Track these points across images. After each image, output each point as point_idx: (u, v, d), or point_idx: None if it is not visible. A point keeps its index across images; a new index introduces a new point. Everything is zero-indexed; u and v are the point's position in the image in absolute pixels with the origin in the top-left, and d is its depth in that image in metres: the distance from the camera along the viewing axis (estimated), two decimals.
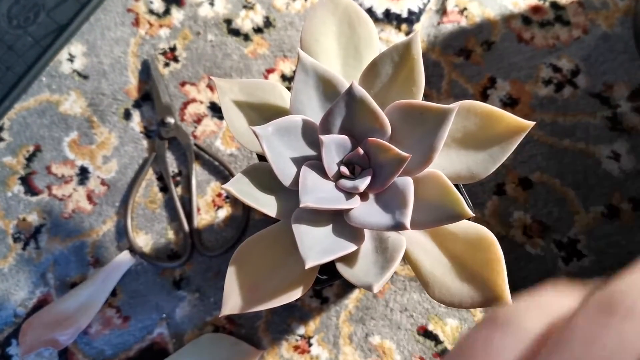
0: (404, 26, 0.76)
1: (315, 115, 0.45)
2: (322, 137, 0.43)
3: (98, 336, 0.72)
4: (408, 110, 0.43)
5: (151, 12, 0.80)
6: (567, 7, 0.74)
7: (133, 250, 0.73)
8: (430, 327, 0.69)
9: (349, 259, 0.44)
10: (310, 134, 0.45)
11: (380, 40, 0.76)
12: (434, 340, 0.68)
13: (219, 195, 0.74)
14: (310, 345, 0.69)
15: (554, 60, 0.73)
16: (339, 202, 0.43)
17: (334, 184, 0.45)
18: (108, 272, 0.72)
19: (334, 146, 0.44)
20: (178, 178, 0.75)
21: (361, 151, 0.44)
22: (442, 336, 0.68)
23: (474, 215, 0.40)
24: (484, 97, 0.73)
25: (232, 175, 0.73)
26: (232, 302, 0.45)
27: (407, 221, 0.40)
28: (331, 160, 0.44)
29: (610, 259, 0.68)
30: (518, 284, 0.68)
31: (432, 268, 0.45)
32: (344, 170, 0.45)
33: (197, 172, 0.74)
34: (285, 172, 0.44)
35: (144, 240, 0.73)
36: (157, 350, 0.71)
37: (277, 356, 0.70)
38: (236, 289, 0.45)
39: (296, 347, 0.70)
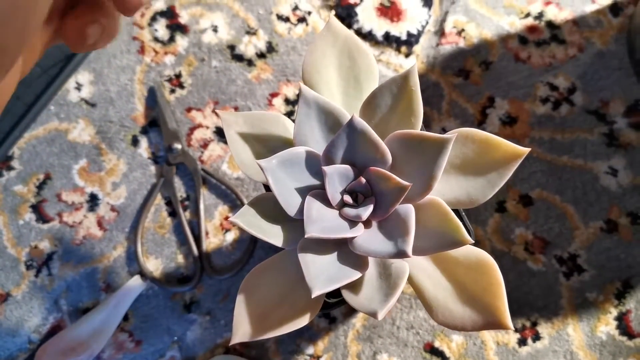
0: (403, 48, 0.78)
1: (318, 146, 0.46)
2: (325, 167, 0.44)
3: None
4: (407, 140, 0.44)
5: (156, 39, 0.81)
6: (563, 26, 0.76)
7: (144, 275, 0.74)
8: (437, 344, 0.70)
9: (354, 286, 0.45)
10: (314, 164, 0.46)
11: (381, 62, 0.77)
12: (440, 356, 0.70)
13: (227, 218, 0.75)
14: None
15: (551, 78, 0.74)
16: (343, 230, 0.44)
17: (338, 212, 0.46)
18: (120, 297, 0.73)
19: (337, 176, 0.45)
20: (186, 202, 0.76)
21: (363, 180, 0.45)
22: (447, 352, 0.70)
23: (473, 242, 0.42)
24: (484, 116, 0.74)
25: (239, 198, 0.74)
26: (242, 330, 0.46)
27: (409, 249, 0.41)
28: (334, 189, 0.45)
29: (610, 273, 0.69)
30: (521, 300, 0.69)
31: (435, 292, 0.46)
32: (347, 199, 0.46)
33: (205, 197, 0.76)
34: (290, 202, 0.45)
35: (154, 265, 0.75)
36: None
37: None
38: (245, 318, 0.46)
39: None
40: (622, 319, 0.69)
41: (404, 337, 0.70)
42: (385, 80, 0.46)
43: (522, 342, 0.69)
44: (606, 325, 0.69)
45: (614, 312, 0.69)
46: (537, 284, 0.70)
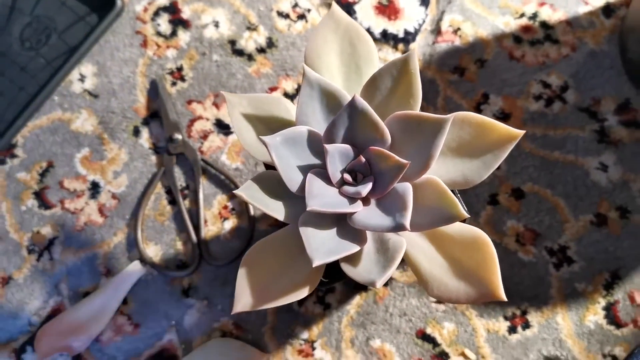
0: (400, 46, 0.80)
1: (320, 126, 0.47)
2: (327, 146, 0.45)
3: (110, 343, 0.74)
4: (406, 121, 0.45)
5: (159, 34, 0.83)
6: (556, 26, 0.78)
7: (143, 260, 0.75)
8: (429, 331, 0.71)
9: (353, 259, 0.46)
10: (315, 143, 0.47)
11: (379, 60, 0.79)
12: (432, 342, 0.71)
13: (225, 207, 0.77)
14: (313, 349, 0.72)
15: (544, 76, 0.76)
16: (342, 206, 0.46)
17: (338, 190, 0.47)
18: (119, 281, 0.74)
19: (338, 155, 0.46)
20: (186, 191, 0.78)
21: (363, 159, 0.46)
22: (439, 339, 0.71)
23: (469, 216, 0.43)
24: (478, 112, 0.75)
25: (237, 188, 0.76)
26: (243, 300, 0.47)
27: (407, 222, 0.42)
28: (335, 168, 0.47)
29: (598, 265, 0.71)
30: (512, 290, 0.71)
31: (430, 268, 0.47)
32: (347, 177, 0.47)
33: (204, 186, 0.77)
34: (292, 179, 0.46)
35: (153, 251, 0.76)
36: (166, 356, 0.74)
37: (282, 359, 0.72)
38: (247, 289, 0.48)
39: (300, 351, 0.72)
40: (610, 309, 0.70)
41: (397, 324, 0.72)
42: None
43: (512, 329, 0.70)
44: (594, 315, 0.70)
45: (602, 302, 0.70)
46: (527, 274, 0.72)
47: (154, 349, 0.74)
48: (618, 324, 0.70)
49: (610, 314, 0.70)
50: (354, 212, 0.46)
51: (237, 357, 0.71)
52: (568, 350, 0.70)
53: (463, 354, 0.70)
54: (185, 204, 0.77)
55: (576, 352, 0.69)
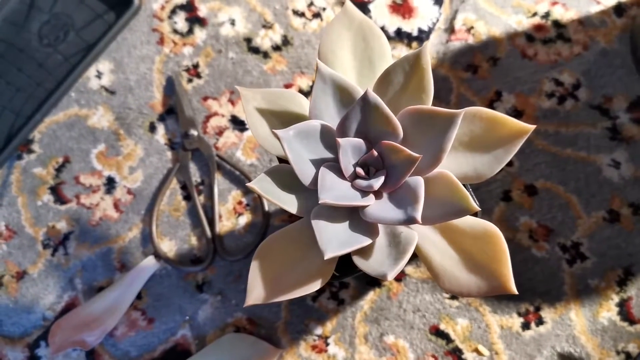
0: (414, 44, 0.80)
1: (332, 120, 0.48)
2: (339, 140, 0.46)
3: (124, 337, 0.75)
4: (418, 115, 0.46)
5: (175, 31, 0.83)
6: (568, 25, 0.78)
7: (158, 255, 0.76)
8: (442, 327, 0.72)
9: (365, 252, 0.47)
10: (328, 137, 0.47)
11: (393, 57, 0.79)
12: (445, 339, 0.71)
13: (240, 203, 0.77)
14: (327, 344, 0.73)
15: (556, 74, 0.76)
16: (355, 199, 0.46)
17: (350, 183, 0.47)
18: (134, 276, 0.75)
19: (350, 148, 0.47)
20: (201, 187, 0.79)
21: (375, 153, 0.47)
22: (453, 335, 0.71)
23: (480, 209, 0.43)
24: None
25: None
26: (255, 293, 0.48)
27: (419, 215, 0.43)
28: (347, 161, 0.47)
29: (611, 261, 0.71)
30: (525, 285, 0.71)
31: (442, 261, 0.48)
32: (360, 171, 0.47)
33: (219, 182, 0.78)
34: (305, 172, 0.46)
35: (168, 246, 0.77)
36: (180, 351, 0.74)
37: (295, 355, 0.73)
38: (259, 281, 0.48)
39: (314, 347, 0.73)
40: (623, 305, 0.70)
41: (411, 320, 0.72)
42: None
43: (525, 326, 0.71)
44: (608, 311, 0.70)
45: (616, 298, 0.70)
46: (540, 270, 0.72)
47: (167, 343, 0.75)
48: (632, 321, 0.70)
49: (624, 310, 0.70)
50: (366, 206, 0.46)
51: (251, 352, 0.72)
52: (582, 346, 0.70)
53: (476, 350, 0.71)
54: (200, 200, 0.78)
55: (590, 349, 0.70)
